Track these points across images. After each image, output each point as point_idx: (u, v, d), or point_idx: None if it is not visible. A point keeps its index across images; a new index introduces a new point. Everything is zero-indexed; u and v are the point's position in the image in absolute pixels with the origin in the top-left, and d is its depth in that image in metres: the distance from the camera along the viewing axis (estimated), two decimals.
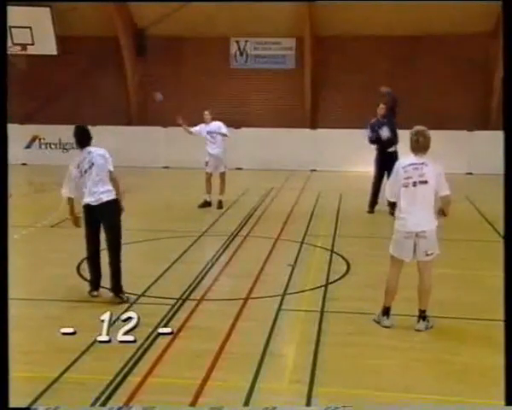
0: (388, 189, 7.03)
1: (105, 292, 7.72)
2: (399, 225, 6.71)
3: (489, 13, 19.11)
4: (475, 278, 8.75)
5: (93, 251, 7.70)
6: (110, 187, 7.54)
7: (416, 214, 6.59)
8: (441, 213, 6.72)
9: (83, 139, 7.66)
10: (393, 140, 13.13)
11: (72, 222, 7.79)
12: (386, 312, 6.90)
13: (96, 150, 7.62)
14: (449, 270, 8.98)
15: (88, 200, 7.51)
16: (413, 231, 6.60)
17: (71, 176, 7.61)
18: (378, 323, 6.91)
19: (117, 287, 7.56)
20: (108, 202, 7.48)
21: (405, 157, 6.88)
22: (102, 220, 7.54)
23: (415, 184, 6.59)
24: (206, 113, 13.81)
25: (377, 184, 13.23)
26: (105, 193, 7.48)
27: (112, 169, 7.60)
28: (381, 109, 13.34)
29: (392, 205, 6.98)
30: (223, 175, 13.73)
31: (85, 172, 7.50)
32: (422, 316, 6.80)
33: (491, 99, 20.37)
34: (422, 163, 6.63)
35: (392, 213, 7.05)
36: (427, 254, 6.67)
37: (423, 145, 6.69)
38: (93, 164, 7.50)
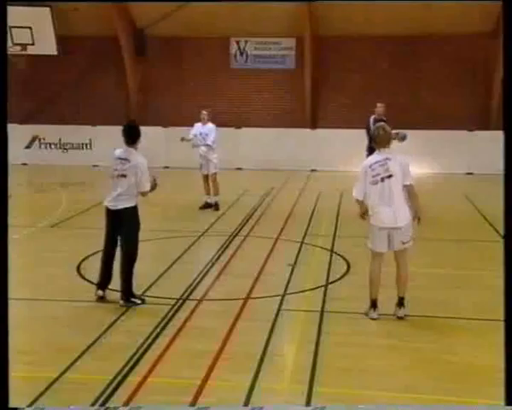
0: (356, 189, 7.18)
1: (110, 294, 7.71)
2: (374, 220, 6.95)
3: (489, 13, 19.11)
4: (475, 278, 8.75)
5: (107, 254, 7.64)
6: (132, 198, 7.46)
7: (390, 209, 6.82)
8: (416, 219, 6.94)
9: (127, 138, 7.55)
10: None
11: None
12: (373, 305, 7.05)
13: (134, 163, 7.43)
14: (449, 270, 8.98)
15: (109, 203, 7.50)
16: (388, 226, 6.84)
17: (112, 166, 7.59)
18: (367, 315, 7.03)
19: (125, 293, 7.47)
20: (126, 209, 7.43)
21: (371, 157, 7.15)
22: (120, 226, 7.48)
23: (382, 179, 6.86)
24: (204, 113, 13.72)
25: None
26: (125, 200, 7.43)
27: (147, 189, 7.51)
28: (379, 107, 13.36)
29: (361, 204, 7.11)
30: (213, 176, 13.55)
31: (117, 177, 7.44)
32: (402, 303, 6.97)
33: (491, 99, 20.37)
34: (386, 158, 6.89)
35: (363, 217, 7.21)
36: (403, 243, 6.90)
37: (384, 138, 6.97)
38: (124, 176, 7.40)
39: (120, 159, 7.50)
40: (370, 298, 7.07)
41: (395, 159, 6.92)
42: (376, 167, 6.89)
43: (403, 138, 11.48)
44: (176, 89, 22.03)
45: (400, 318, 6.97)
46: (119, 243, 7.58)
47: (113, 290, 7.62)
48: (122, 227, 7.49)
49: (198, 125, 13.72)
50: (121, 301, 7.43)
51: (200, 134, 13.58)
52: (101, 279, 7.65)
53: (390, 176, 6.83)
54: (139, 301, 7.48)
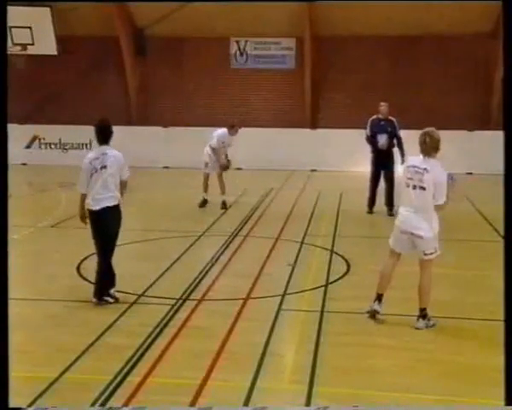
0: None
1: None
2: (398, 221, 6.90)
3: (489, 13, 19.12)
4: (475, 278, 8.76)
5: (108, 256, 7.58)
6: (114, 193, 7.43)
7: (413, 217, 6.69)
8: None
9: (101, 136, 7.51)
10: (388, 151, 12.96)
11: (79, 218, 7.66)
12: (378, 298, 7.01)
13: (112, 154, 7.44)
14: (449, 270, 8.97)
15: (91, 205, 7.43)
16: (408, 231, 6.74)
17: (83, 171, 7.52)
18: (369, 312, 6.99)
19: (100, 291, 7.43)
20: (109, 208, 7.38)
21: (415, 157, 6.84)
22: (102, 224, 7.42)
23: (414, 187, 6.68)
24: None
25: (374, 184, 13.22)
26: (108, 199, 7.38)
27: (127, 176, 7.53)
28: (382, 106, 13.19)
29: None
30: (220, 176, 13.72)
31: (96, 171, 7.39)
32: (422, 315, 6.82)
33: (491, 99, 20.37)
34: (425, 169, 6.61)
35: (391, 215, 7.22)
36: (425, 254, 6.75)
37: (430, 146, 6.65)
38: (105, 167, 7.38)
39: (96, 158, 7.46)
40: (377, 292, 7.01)
41: (433, 172, 6.59)
42: (412, 171, 6.67)
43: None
44: (176, 89, 22.02)
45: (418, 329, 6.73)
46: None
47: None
48: (105, 225, 7.41)
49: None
50: (94, 299, 7.41)
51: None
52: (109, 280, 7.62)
53: (423, 188, 6.60)
54: (111, 300, 7.43)
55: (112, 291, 7.50)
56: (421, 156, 6.72)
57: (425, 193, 6.61)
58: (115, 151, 7.52)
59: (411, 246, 6.82)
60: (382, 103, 13.25)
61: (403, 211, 6.84)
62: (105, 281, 7.51)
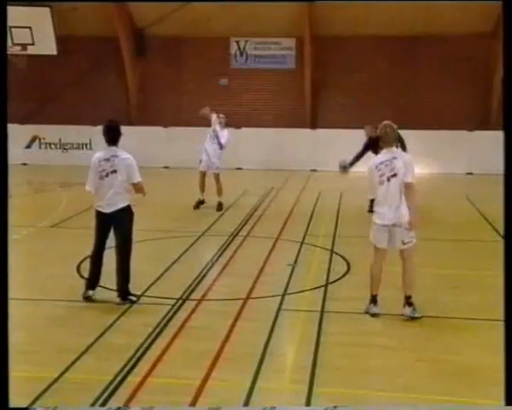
0: (369, 189, 7.43)
1: (101, 291, 7.70)
2: (377, 218, 7.00)
3: (489, 13, 19.12)
4: (475, 278, 8.75)
5: (98, 251, 7.60)
6: (125, 195, 7.46)
7: (391, 208, 6.86)
8: (410, 223, 6.84)
9: (109, 137, 7.48)
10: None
11: None
12: (373, 300, 7.09)
13: (122, 157, 7.41)
14: (449, 270, 8.99)
15: (102, 208, 7.45)
16: (388, 224, 6.87)
17: (92, 170, 7.49)
18: (367, 313, 7.05)
19: (124, 291, 7.49)
20: (122, 209, 7.41)
21: (376, 157, 7.23)
22: (114, 226, 7.46)
23: (388, 179, 6.89)
24: (222, 116, 13.90)
25: None
26: (120, 201, 7.40)
27: (139, 179, 7.46)
28: (367, 129, 13.17)
29: (372, 202, 7.32)
30: (217, 176, 13.67)
31: (106, 175, 7.37)
32: (408, 302, 6.93)
33: (491, 99, 20.38)
34: (393, 158, 6.92)
35: (371, 211, 7.38)
36: (404, 243, 6.90)
37: (392, 137, 7.02)
38: (115, 171, 7.36)
39: (106, 159, 7.44)
40: (371, 293, 7.10)
41: (401, 157, 6.97)
42: (382, 168, 6.92)
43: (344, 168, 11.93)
44: (176, 89, 22.03)
45: (410, 318, 6.87)
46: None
47: (111, 290, 7.62)
48: (118, 227, 7.46)
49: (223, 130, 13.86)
50: (119, 299, 7.45)
51: (213, 132, 13.67)
52: (92, 279, 7.63)
53: (395, 175, 6.86)
54: (134, 299, 7.47)
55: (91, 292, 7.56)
56: (383, 152, 7.03)
57: (397, 179, 6.85)
58: (126, 154, 7.50)
59: (390, 238, 6.91)
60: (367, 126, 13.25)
61: (381, 208, 6.93)
62: (95, 278, 7.57)
